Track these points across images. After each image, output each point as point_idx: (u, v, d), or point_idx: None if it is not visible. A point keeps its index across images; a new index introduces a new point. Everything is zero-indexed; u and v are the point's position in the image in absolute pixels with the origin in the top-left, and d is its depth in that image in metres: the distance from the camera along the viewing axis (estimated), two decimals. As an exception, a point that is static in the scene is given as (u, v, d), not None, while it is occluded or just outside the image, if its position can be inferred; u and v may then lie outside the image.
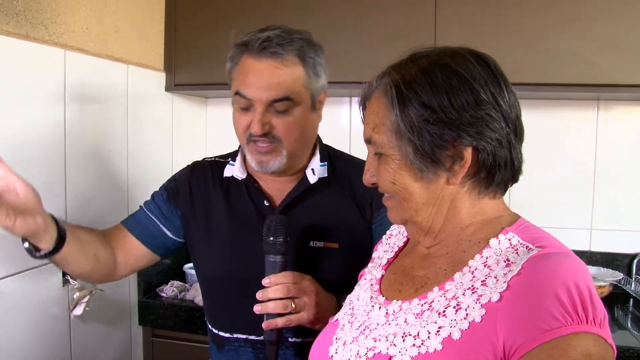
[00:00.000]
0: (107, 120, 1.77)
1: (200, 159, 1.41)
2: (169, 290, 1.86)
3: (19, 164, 1.38)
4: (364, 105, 0.87)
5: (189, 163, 1.40)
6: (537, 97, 2.07)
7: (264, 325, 1.09)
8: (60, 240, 1.10)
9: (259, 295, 1.08)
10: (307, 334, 1.18)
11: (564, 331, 0.64)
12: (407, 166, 0.80)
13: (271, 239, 1.08)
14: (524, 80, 1.77)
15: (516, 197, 2.10)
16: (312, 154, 1.27)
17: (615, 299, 1.92)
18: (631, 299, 1.93)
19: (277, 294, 1.07)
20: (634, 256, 2.05)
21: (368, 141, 0.85)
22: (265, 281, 1.09)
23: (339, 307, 1.13)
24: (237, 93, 1.16)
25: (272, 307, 1.08)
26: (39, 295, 1.47)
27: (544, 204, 2.11)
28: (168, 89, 2.08)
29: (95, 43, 1.68)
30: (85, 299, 1.56)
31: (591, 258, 2.08)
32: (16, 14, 1.37)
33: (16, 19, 1.37)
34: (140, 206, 1.35)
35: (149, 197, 1.36)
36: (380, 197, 1.21)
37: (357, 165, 1.30)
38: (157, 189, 1.37)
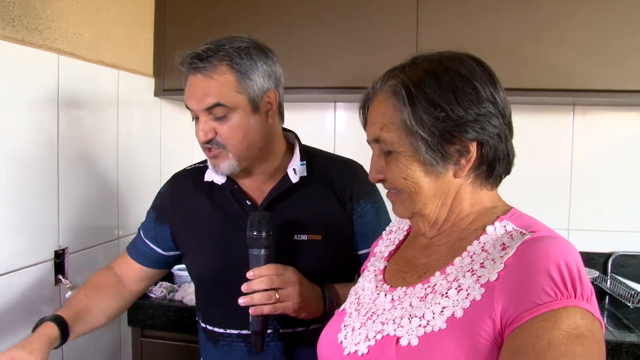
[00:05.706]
0: (99, 124, 1.79)
1: (187, 163, 1.46)
2: (158, 291, 1.88)
3: (12, 168, 1.40)
4: (366, 107, 0.92)
5: (174, 172, 1.44)
6: (515, 102, 2.13)
7: (250, 311, 1.13)
8: (64, 339, 1.19)
9: (244, 287, 1.12)
10: (297, 324, 1.24)
11: (554, 305, 0.70)
12: (418, 161, 0.85)
13: (255, 233, 1.13)
14: (502, 85, 1.84)
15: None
16: (292, 155, 1.32)
17: (592, 296, 1.99)
18: (607, 296, 2.00)
19: (261, 286, 1.12)
20: (609, 255, 2.13)
21: (376, 140, 0.89)
22: (249, 274, 1.13)
23: (324, 297, 1.20)
24: (186, 106, 1.23)
25: (257, 298, 1.12)
26: (31, 294, 1.48)
27: (523, 205, 2.16)
28: (157, 94, 2.12)
29: (88, 48, 1.71)
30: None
31: (569, 257, 2.15)
32: (12, 19, 1.39)
33: (12, 24, 1.39)
34: (139, 229, 1.42)
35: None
36: (358, 189, 1.28)
37: (334, 161, 1.38)
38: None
